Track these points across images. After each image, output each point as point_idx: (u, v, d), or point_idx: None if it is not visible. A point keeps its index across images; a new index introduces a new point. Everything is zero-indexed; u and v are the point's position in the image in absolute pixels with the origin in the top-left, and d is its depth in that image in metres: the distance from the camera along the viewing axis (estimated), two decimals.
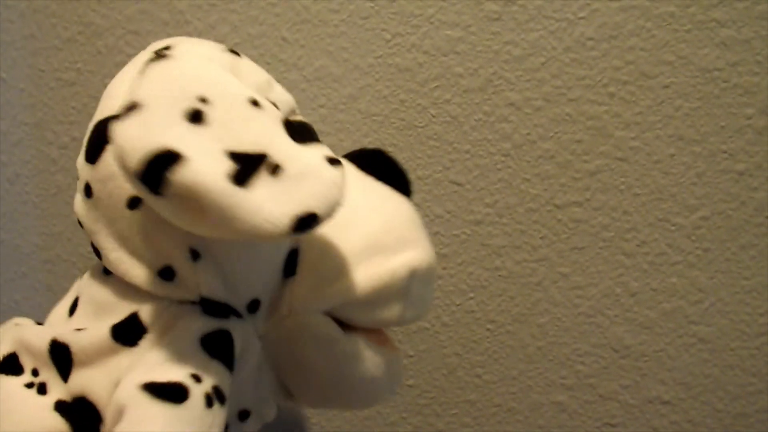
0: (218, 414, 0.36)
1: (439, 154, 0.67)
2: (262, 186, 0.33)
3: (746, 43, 0.61)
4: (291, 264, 0.41)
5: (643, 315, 0.67)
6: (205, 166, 0.32)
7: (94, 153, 0.40)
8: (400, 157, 0.67)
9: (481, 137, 0.66)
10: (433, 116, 0.66)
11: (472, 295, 0.69)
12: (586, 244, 0.66)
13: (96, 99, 0.73)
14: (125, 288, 0.40)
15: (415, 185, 0.67)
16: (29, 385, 0.41)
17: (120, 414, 0.34)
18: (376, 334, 0.44)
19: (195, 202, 0.32)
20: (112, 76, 0.71)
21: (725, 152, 0.63)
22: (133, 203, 0.39)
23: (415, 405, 0.71)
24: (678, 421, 0.68)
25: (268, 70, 0.68)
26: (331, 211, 0.34)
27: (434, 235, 0.68)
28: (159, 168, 0.32)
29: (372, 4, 0.66)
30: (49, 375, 0.41)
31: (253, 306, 0.40)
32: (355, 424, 0.72)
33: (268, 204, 0.32)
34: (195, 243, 0.38)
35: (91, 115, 0.72)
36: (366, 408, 0.46)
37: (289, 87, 0.68)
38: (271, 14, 0.67)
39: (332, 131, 0.67)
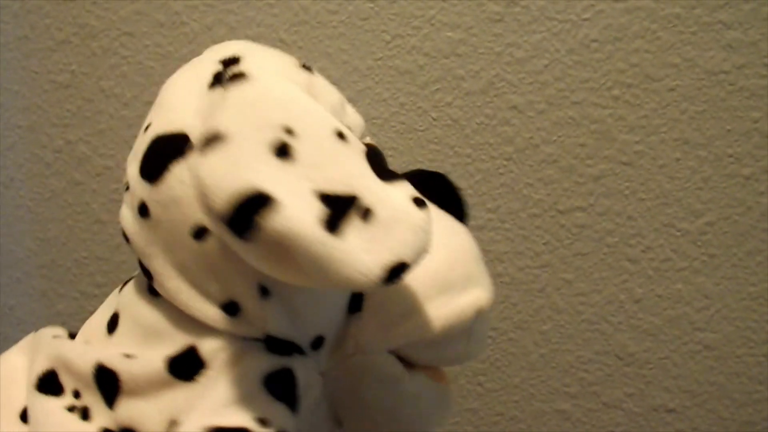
0: None
1: (440, 158, 0.66)
2: (353, 232, 0.32)
3: (753, 45, 0.61)
4: (357, 300, 0.40)
5: (648, 322, 0.66)
6: (297, 212, 0.31)
7: (153, 171, 0.37)
8: (400, 161, 0.67)
9: (483, 141, 0.65)
10: (434, 119, 0.66)
11: None
12: (589, 249, 0.65)
13: (90, 101, 0.73)
14: (180, 316, 0.38)
15: None
16: (71, 409, 0.39)
17: None
18: (433, 369, 0.44)
19: (284, 249, 0.31)
20: (107, 78, 0.72)
21: (731, 156, 0.63)
22: (200, 234, 0.36)
23: None
24: (683, 429, 0.67)
25: None
26: (420, 258, 0.33)
27: None
28: (249, 212, 0.30)
29: (372, 5, 0.65)
30: (92, 400, 0.38)
31: (318, 343, 0.39)
32: None
33: (361, 254, 0.31)
34: (265, 280, 0.36)
35: (85, 118, 0.73)
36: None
37: None
38: (268, 15, 0.67)
39: None
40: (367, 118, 0.66)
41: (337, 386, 0.41)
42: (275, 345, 0.38)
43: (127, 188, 0.39)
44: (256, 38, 0.67)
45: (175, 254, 0.37)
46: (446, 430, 0.71)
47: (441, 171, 0.46)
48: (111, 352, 0.39)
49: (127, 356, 0.38)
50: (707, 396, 0.66)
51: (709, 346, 0.66)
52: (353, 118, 0.41)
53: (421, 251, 0.33)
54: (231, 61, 0.38)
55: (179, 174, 0.36)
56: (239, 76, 0.35)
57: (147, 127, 0.39)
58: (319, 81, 0.40)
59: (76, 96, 0.72)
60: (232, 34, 0.68)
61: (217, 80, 0.37)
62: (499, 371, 0.69)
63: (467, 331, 0.41)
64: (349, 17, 0.66)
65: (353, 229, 0.32)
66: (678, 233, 0.64)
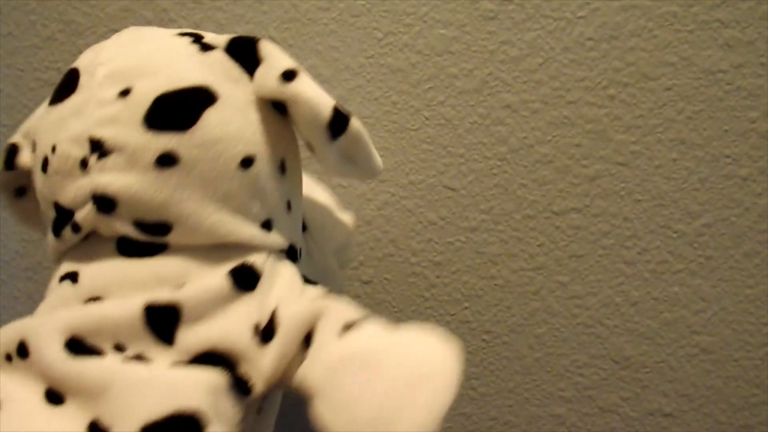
0: None
1: (432, 158, 0.65)
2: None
3: (750, 44, 0.60)
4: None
5: (644, 325, 0.65)
6: (356, 122, 0.42)
7: (183, 120, 0.40)
8: (393, 160, 0.65)
9: (477, 141, 0.64)
10: (427, 119, 0.65)
11: (467, 304, 0.67)
12: (585, 251, 0.64)
13: None
14: (199, 256, 0.41)
15: (408, 190, 0.66)
16: (126, 361, 0.38)
17: (310, 322, 0.39)
18: None
19: (356, 146, 0.43)
20: None
21: (728, 157, 0.62)
22: (247, 163, 0.41)
23: None
24: None
25: None
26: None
27: (428, 242, 0.66)
28: (344, 118, 0.41)
29: (363, 2, 0.64)
30: (142, 346, 0.38)
31: (300, 252, 0.48)
32: None
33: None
34: (290, 195, 0.45)
35: None
36: None
37: None
38: (258, 12, 0.66)
39: None
40: (359, 117, 0.65)
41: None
42: (292, 254, 0.45)
43: (103, 155, 0.40)
44: (245, 35, 0.66)
45: (219, 188, 0.41)
46: None
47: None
48: (156, 293, 0.40)
49: (178, 286, 0.40)
50: (704, 400, 0.66)
51: (706, 350, 0.65)
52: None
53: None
54: (194, 35, 0.45)
55: (217, 117, 0.41)
56: (250, 42, 0.44)
57: (124, 93, 0.41)
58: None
59: None
60: (221, 31, 0.66)
61: (203, 47, 0.43)
62: (493, 375, 0.68)
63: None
64: (340, 14, 0.64)
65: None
66: (675, 235, 0.64)
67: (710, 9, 0.60)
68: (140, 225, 0.41)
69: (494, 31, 0.63)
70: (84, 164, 0.40)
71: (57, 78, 0.71)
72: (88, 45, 0.70)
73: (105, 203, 0.40)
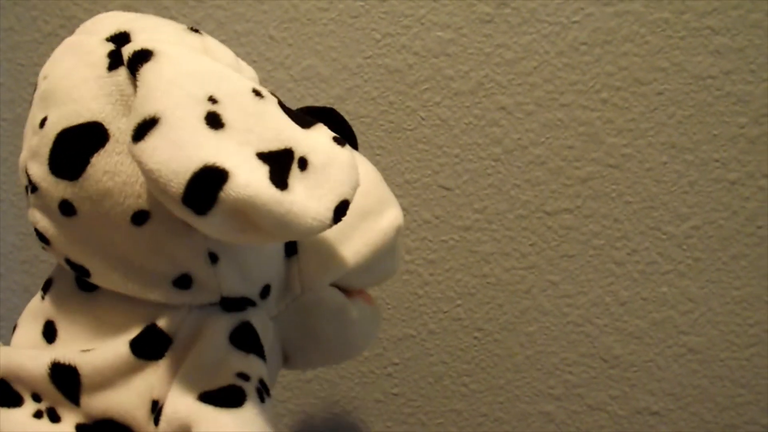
0: (270, 405, 0.36)
1: (428, 157, 0.66)
2: (298, 183, 0.33)
3: (740, 51, 0.61)
4: (291, 243, 0.42)
5: (633, 324, 0.66)
6: (249, 177, 0.31)
7: (72, 168, 0.36)
8: (389, 160, 0.66)
9: (471, 141, 0.65)
10: (423, 119, 0.65)
11: (459, 302, 0.68)
12: (576, 251, 0.65)
13: None
14: (128, 301, 0.38)
15: (403, 189, 0.67)
16: (37, 415, 0.38)
17: (184, 430, 0.34)
18: (364, 293, 0.48)
19: (246, 215, 0.32)
20: None
21: (717, 161, 0.63)
22: (139, 219, 0.36)
23: (400, 414, 0.70)
24: None
25: (254, 69, 0.67)
26: (354, 192, 0.35)
27: (422, 241, 0.67)
28: (206, 188, 0.31)
29: (362, 4, 0.65)
30: (54, 399, 0.38)
31: (265, 291, 0.41)
32: None
33: (311, 202, 0.33)
34: (213, 246, 0.37)
35: None
36: (351, 359, 0.55)
37: (276, 86, 0.67)
38: (258, 11, 0.66)
39: None
40: (356, 116, 0.66)
41: (289, 326, 0.44)
42: (231, 304, 0.39)
43: (33, 190, 0.38)
44: (245, 34, 0.67)
45: (115, 245, 0.37)
46: (431, 431, 0.70)
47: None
48: (66, 350, 0.38)
49: (85, 351, 0.38)
50: (691, 399, 0.66)
51: (694, 350, 0.66)
52: (249, 72, 0.41)
53: (355, 186, 0.35)
54: (121, 38, 0.37)
55: (104, 165, 0.36)
56: (143, 54, 0.34)
57: (42, 122, 0.37)
58: (211, 42, 0.40)
59: None
60: (221, 29, 0.67)
61: (115, 61, 0.36)
62: (484, 372, 0.69)
63: (392, 248, 0.45)
64: (339, 15, 0.65)
65: (297, 180, 0.33)
66: (664, 236, 0.65)
67: (701, 16, 0.61)
68: (68, 263, 0.39)
69: (490, 34, 0.64)
70: (27, 193, 0.39)
71: None
72: None
73: (41, 237, 0.39)
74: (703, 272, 0.64)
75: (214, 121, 0.33)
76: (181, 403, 0.34)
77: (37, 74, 0.72)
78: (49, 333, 0.40)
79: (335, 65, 0.66)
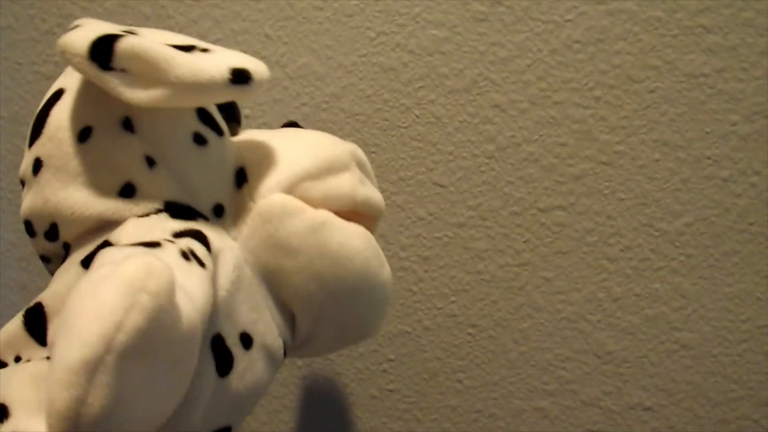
0: (196, 270, 0.36)
1: (422, 155, 0.66)
2: (197, 53, 0.38)
3: (732, 49, 0.61)
4: (241, 175, 0.44)
5: (626, 321, 0.66)
6: (146, 39, 0.37)
7: (38, 128, 0.42)
8: (383, 157, 0.67)
9: (465, 139, 0.65)
10: (417, 117, 0.66)
11: (454, 298, 0.68)
12: (569, 248, 0.66)
13: None
14: (88, 243, 0.41)
15: (398, 186, 0.67)
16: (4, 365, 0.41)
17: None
18: (344, 214, 0.46)
19: (144, 66, 0.37)
20: None
21: (710, 158, 0.63)
22: (84, 135, 0.41)
23: (395, 410, 0.71)
24: (659, 427, 0.67)
25: None
26: (261, 73, 0.39)
27: (416, 237, 0.67)
28: (105, 44, 0.37)
29: (357, 2, 0.65)
30: (29, 352, 0.40)
31: (218, 210, 0.43)
32: (336, 430, 0.71)
33: (206, 61, 0.37)
34: (149, 150, 0.41)
35: None
36: (379, 305, 0.46)
37: (272, 85, 0.67)
38: (254, 10, 0.67)
39: (315, 129, 0.66)
40: (351, 114, 0.67)
41: (259, 249, 0.43)
42: (177, 211, 0.41)
43: (23, 182, 0.44)
44: (241, 33, 0.67)
45: (68, 171, 0.41)
46: (425, 427, 0.71)
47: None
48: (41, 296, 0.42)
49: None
50: (683, 395, 0.67)
51: (686, 345, 0.66)
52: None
53: (262, 71, 0.39)
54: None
55: (58, 110, 0.42)
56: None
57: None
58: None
59: None
60: (218, 27, 0.67)
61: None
62: (479, 368, 0.69)
63: (347, 166, 0.46)
64: (334, 14, 0.66)
65: (196, 53, 0.38)
66: (656, 233, 0.65)
67: (694, 15, 0.61)
68: (46, 236, 0.43)
69: (484, 33, 0.64)
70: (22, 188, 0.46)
71: (55, 71, 0.71)
72: None
73: (30, 229, 0.43)
74: (695, 269, 0.65)
75: (128, 31, 0.39)
76: (107, 254, 0.36)
77: (35, 72, 0.72)
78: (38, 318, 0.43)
79: (330, 63, 0.66)
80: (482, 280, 0.67)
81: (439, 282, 0.68)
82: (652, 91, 0.63)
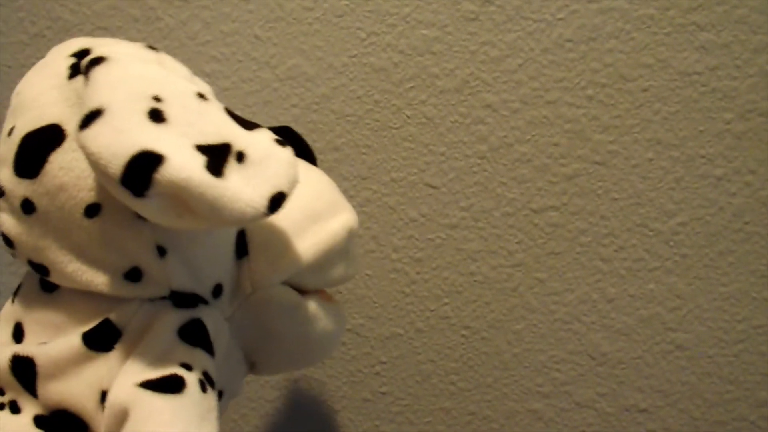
0: (212, 397, 0.38)
1: (413, 156, 0.66)
2: (234, 173, 0.35)
3: (725, 47, 0.61)
4: (242, 245, 0.43)
5: (621, 322, 0.66)
6: (184, 162, 0.34)
7: (32, 166, 0.39)
8: (375, 158, 0.66)
9: (457, 139, 0.65)
10: (408, 117, 0.65)
11: (446, 300, 0.68)
12: (563, 249, 0.65)
13: None
14: (84, 298, 0.40)
15: (390, 188, 0.66)
16: (0, 407, 0.40)
17: (122, 415, 0.35)
18: (323, 293, 0.49)
19: (180, 198, 0.34)
20: None
21: (704, 157, 0.63)
22: (92, 211, 0.38)
23: (388, 413, 0.70)
24: (655, 429, 0.67)
25: (240, 69, 0.67)
26: (293, 187, 0.37)
27: (408, 239, 0.67)
28: (142, 169, 0.33)
29: (347, 2, 0.65)
30: (16, 392, 0.40)
31: (217, 291, 0.42)
32: None
33: (246, 189, 0.35)
34: (160, 239, 0.39)
35: None
36: (322, 360, 0.53)
37: (262, 86, 0.67)
38: (243, 11, 0.66)
39: (305, 132, 0.66)
40: (342, 115, 0.66)
41: (245, 327, 0.45)
42: (181, 300, 0.41)
43: (1, 195, 0.41)
44: (230, 34, 0.67)
45: (70, 238, 0.39)
46: (418, 430, 0.70)
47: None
48: (26, 344, 0.41)
49: (43, 343, 0.40)
50: (679, 396, 0.66)
51: (681, 346, 0.66)
52: (204, 87, 0.44)
53: (293, 180, 0.37)
54: (82, 53, 0.40)
55: (60, 161, 0.38)
56: (98, 60, 0.37)
57: (11, 131, 0.40)
58: (166, 57, 0.43)
59: None
60: (207, 29, 0.67)
61: (75, 71, 0.39)
62: (472, 370, 0.68)
63: (344, 251, 0.47)
64: (324, 14, 0.65)
65: (233, 170, 0.35)
66: (650, 233, 0.64)
67: (686, 12, 0.61)
68: (31, 263, 0.41)
69: (475, 32, 0.64)
70: None
71: None
72: None
73: (7, 240, 0.41)
74: (690, 269, 0.64)
75: (156, 115, 0.35)
76: (122, 389, 0.36)
77: (24, 75, 0.72)
78: (18, 334, 0.42)
79: (320, 64, 0.66)
80: (475, 281, 0.67)
81: (431, 284, 0.67)
82: (645, 90, 0.62)
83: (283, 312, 0.45)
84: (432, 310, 0.68)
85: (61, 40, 0.70)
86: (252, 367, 0.48)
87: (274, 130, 0.49)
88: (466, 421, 0.69)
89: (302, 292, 0.46)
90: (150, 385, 0.36)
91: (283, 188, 0.36)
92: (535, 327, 0.67)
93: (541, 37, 0.63)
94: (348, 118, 0.66)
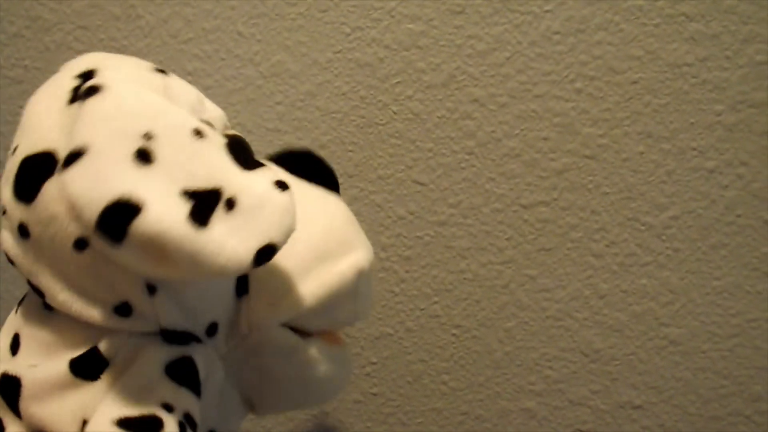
0: None
1: (400, 152, 0.65)
2: (220, 223, 0.34)
3: (715, 37, 0.61)
4: (242, 284, 0.42)
5: (613, 317, 0.65)
6: (164, 212, 0.33)
7: (27, 192, 0.38)
8: (361, 155, 0.65)
9: (445, 135, 0.64)
10: (395, 113, 0.65)
11: (436, 299, 0.67)
12: (553, 245, 0.65)
13: None
14: (77, 324, 0.40)
15: (377, 185, 0.66)
16: None
17: None
18: (329, 334, 0.47)
19: (157, 249, 0.33)
20: None
21: (695, 149, 0.62)
22: (80, 245, 0.38)
23: (380, 414, 0.69)
24: (650, 425, 0.67)
25: (223, 66, 0.66)
26: (287, 238, 0.35)
27: (396, 237, 0.66)
28: (118, 218, 0.33)
29: None
30: (3, 411, 0.40)
31: (212, 329, 0.41)
32: None
33: (230, 242, 0.34)
34: (150, 278, 0.38)
35: None
36: (325, 403, 0.49)
37: (245, 83, 0.66)
38: (226, 8, 0.65)
39: (290, 129, 0.65)
40: (327, 112, 0.65)
41: (240, 367, 0.43)
42: (172, 336, 0.40)
43: (5, 212, 0.40)
44: (212, 31, 0.66)
45: (61, 268, 0.38)
46: (410, 431, 0.69)
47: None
48: (17, 363, 0.41)
49: (32, 365, 0.40)
50: (673, 392, 0.66)
51: (675, 341, 0.65)
52: (213, 112, 0.43)
53: (288, 230, 0.35)
54: (87, 75, 0.40)
55: (52, 192, 0.37)
56: (93, 90, 0.36)
57: (15, 149, 0.40)
58: (174, 82, 0.42)
59: (30, 92, 0.67)
60: (189, 27, 0.66)
61: (76, 95, 0.39)
62: (464, 370, 0.68)
63: (352, 293, 0.44)
64: (308, 9, 0.64)
65: (219, 220, 0.34)
66: (642, 227, 0.64)
67: (675, 3, 0.61)
68: (29, 284, 0.41)
69: (462, 26, 0.63)
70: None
71: (24, 75, 0.70)
72: (55, 42, 0.69)
73: (9, 258, 0.41)
74: (683, 263, 0.64)
75: (143, 156, 0.34)
76: (99, 426, 0.35)
77: (3, 77, 0.71)
78: (15, 346, 0.42)
79: (305, 60, 0.65)
80: (465, 279, 0.66)
81: (421, 282, 0.67)
82: (634, 82, 0.62)
83: (280, 354, 0.43)
84: (422, 309, 0.67)
85: (40, 40, 0.70)
86: (252, 407, 0.46)
87: (294, 154, 0.49)
88: (459, 421, 0.69)
89: (306, 333, 0.45)
90: (126, 424, 0.35)
91: (274, 240, 0.35)
92: (526, 324, 0.66)
93: (528, 29, 0.62)
94: (333, 114, 0.65)
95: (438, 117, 0.64)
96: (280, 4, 0.65)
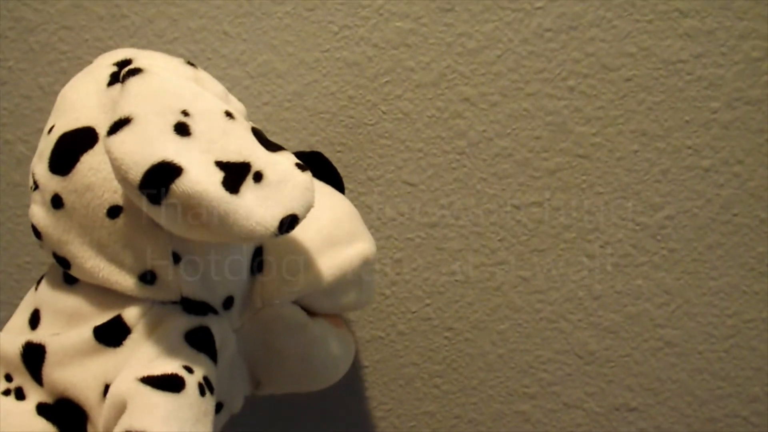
0: (210, 402, 0.40)
1: (390, 153, 0.64)
2: (249, 192, 0.38)
3: (710, 33, 0.60)
4: (258, 261, 0.46)
5: (608, 319, 0.65)
6: (201, 176, 0.36)
7: (65, 165, 0.42)
8: (350, 156, 0.65)
9: (435, 135, 0.63)
10: (384, 113, 0.64)
11: (428, 301, 0.66)
12: (546, 246, 0.64)
13: (29, 99, 0.70)
14: (100, 294, 0.43)
15: (366, 186, 0.65)
16: (6, 393, 0.43)
17: (121, 407, 0.37)
18: (334, 318, 0.51)
19: (194, 209, 0.36)
20: (46, 74, 0.69)
21: (690, 148, 0.62)
22: (114, 212, 0.41)
23: (371, 418, 0.69)
24: (646, 428, 0.66)
25: (209, 66, 0.65)
26: (307, 212, 0.39)
27: (387, 239, 0.65)
28: (161, 178, 0.36)
29: None
30: (23, 379, 0.43)
31: (228, 303, 0.45)
32: None
33: (258, 209, 0.37)
34: (176, 247, 0.42)
35: (23, 116, 0.70)
36: (328, 385, 0.52)
37: (232, 83, 0.65)
38: (211, 7, 0.64)
39: (278, 130, 0.65)
40: (315, 113, 0.64)
41: (251, 342, 0.46)
42: (191, 306, 0.43)
43: (36, 188, 0.44)
44: (198, 30, 0.65)
45: (92, 235, 0.42)
46: None
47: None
48: (39, 334, 0.44)
49: (55, 334, 0.43)
50: (669, 393, 0.65)
51: (671, 343, 0.64)
52: (237, 105, 0.47)
53: (308, 205, 0.39)
54: (124, 63, 0.44)
55: (90, 162, 0.41)
56: (136, 71, 0.40)
57: (50, 129, 0.44)
58: (203, 74, 0.46)
59: (14, 93, 0.69)
60: (174, 26, 0.65)
61: (114, 79, 0.43)
62: (456, 373, 0.67)
63: (357, 280, 0.49)
64: (294, 8, 0.63)
65: (248, 189, 0.37)
66: (637, 227, 0.63)
67: None
68: (55, 256, 0.44)
69: (451, 23, 0.62)
70: (31, 192, 0.45)
71: (8, 76, 0.69)
72: (39, 42, 0.68)
73: (36, 232, 0.44)
74: (678, 263, 0.63)
75: (182, 129, 0.38)
76: (123, 383, 0.38)
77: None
78: (34, 320, 0.45)
79: (292, 60, 0.64)
80: (457, 281, 0.65)
81: (412, 284, 0.66)
82: (628, 80, 0.61)
83: (289, 330, 0.47)
84: (413, 312, 0.67)
85: (24, 41, 0.69)
86: (257, 385, 0.49)
87: (305, 154, 0.53)
88: (452, 424, 0.68)
89: (312, 314, 0.48)
90: (150, 381, 0.38)
91: (297, 211, 0.38)
92: (520, 327, 0.66)
93: (519, 27, 0.61)
94: (321, 115, 0.64)
95: (428, 116, 0.63)
96: (266, 3, 0.64)
